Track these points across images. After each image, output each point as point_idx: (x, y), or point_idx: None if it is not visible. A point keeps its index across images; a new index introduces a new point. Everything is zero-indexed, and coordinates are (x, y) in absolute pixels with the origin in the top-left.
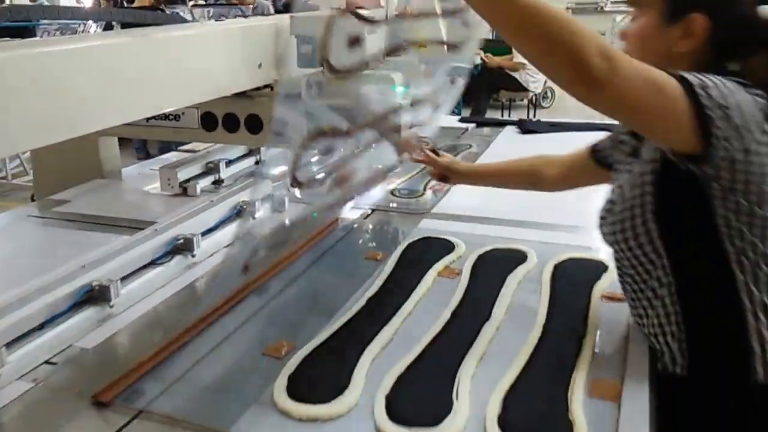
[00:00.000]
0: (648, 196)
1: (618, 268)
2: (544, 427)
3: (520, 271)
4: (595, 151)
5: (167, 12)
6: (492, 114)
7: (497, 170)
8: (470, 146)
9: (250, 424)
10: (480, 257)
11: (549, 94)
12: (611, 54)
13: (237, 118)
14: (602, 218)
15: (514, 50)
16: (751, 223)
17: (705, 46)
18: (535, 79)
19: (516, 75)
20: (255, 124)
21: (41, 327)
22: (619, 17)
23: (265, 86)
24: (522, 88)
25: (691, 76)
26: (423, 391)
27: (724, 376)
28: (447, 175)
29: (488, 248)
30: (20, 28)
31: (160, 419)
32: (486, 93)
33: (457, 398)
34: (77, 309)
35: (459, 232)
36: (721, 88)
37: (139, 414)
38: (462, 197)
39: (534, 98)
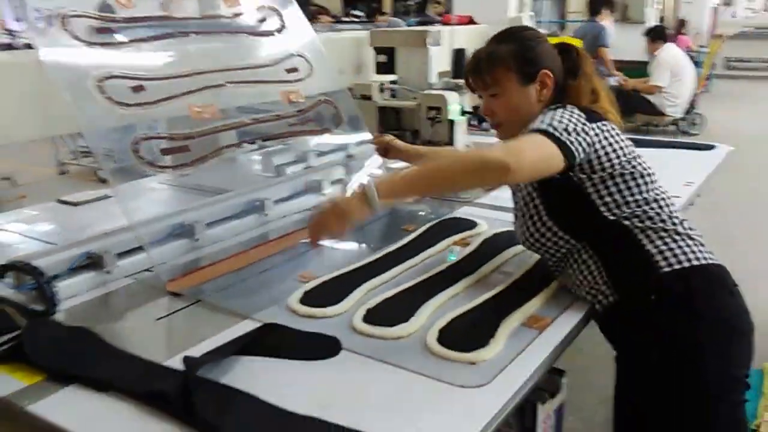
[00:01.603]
0: (538, 204)
1: (547, 260)
2: (470, 338)
3: (520, 247)
4: None
5: None
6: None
7: (421, 153)
8: None
9: (268, 314)
10: (494, 235)
11: (698, 120)
12: (512, 150)
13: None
14: (515, 230)
15: (650, 72)
16: (616, 184)
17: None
18: (672, 103)
19: (652, 98)
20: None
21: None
22: None
23: None
24: (658, 112)
25: (543, 125)
26: (397, 309)
27: (641, 279)
28: (388, 150)
29: (504, 229)
30: None
31: (209, 306)
32: (621, 116)
33: (417, 315)
34: (172, 239)
35: (488, 217)
36: (558, 117)
37: (196, 302)
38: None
39: (676, 123)
